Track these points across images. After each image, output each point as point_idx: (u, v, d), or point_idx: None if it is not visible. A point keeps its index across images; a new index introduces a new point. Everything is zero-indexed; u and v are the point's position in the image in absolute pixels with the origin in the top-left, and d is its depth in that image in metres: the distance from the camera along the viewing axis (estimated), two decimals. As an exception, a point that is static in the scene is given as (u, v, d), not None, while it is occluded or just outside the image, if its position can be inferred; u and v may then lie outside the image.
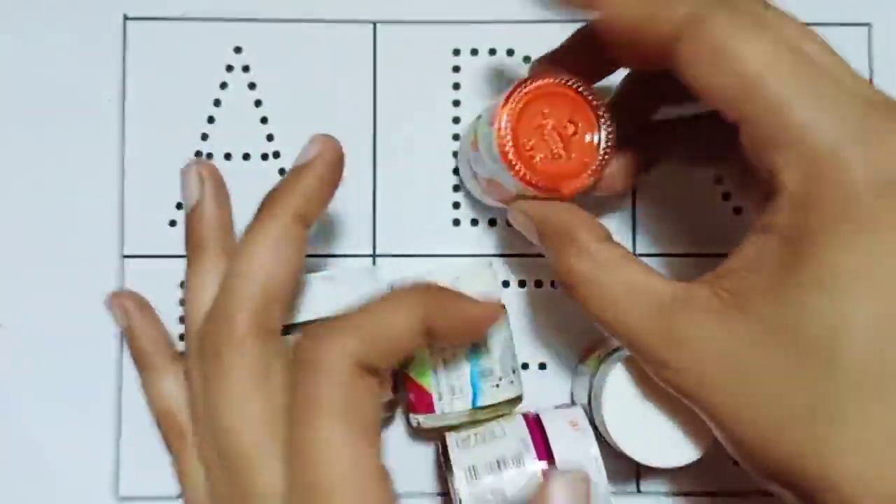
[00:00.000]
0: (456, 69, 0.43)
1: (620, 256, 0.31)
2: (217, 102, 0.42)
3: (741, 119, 0.27)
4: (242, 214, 0.42)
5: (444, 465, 0.37)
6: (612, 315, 0.30)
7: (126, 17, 0.42)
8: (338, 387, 0.28)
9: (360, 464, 0.28)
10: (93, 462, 0.41)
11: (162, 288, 0.41)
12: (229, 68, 0.42)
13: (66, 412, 0.41)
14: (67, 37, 0.42)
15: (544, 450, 0.36)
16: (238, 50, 0.42)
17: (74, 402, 0.41)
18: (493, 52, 0.43)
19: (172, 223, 0.42)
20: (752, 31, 0.27)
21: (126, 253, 0.41)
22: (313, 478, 0.27)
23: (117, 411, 0.41)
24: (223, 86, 0.42)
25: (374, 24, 0.42)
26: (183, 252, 0.41)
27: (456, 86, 0.42)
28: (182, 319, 0.41)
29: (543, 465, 0.35)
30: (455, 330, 0.31)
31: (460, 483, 0.36)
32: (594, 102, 0.33)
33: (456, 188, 0.42)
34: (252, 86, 0.42)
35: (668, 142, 0.37)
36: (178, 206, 0.42)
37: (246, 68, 0.42)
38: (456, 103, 0.42)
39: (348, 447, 0.28)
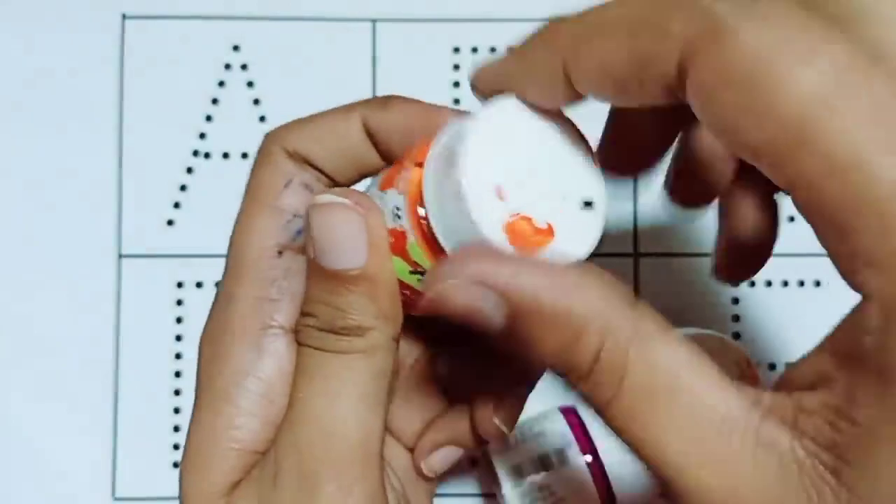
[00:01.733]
0: (456, 67, 0.42)
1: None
2: (215, 101, 0.42)
3: (792, 186, 0.17)
4: (241, 214, 0.42)
5: (487, 468, 0.37)
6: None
7: (124, 16, 0.42)
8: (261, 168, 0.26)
9: (257, 241, 0.25)
10: (90, 462, 0.41)
11: (160, 288, 0.41)
12: (227, 67, 0.42)
13: (63, 412, 0.40)
14: (65, 35, 0.42)
15: (586, 442, 0.36)
16: (236, 48, 0.42)
17: (71, 402, 0.41)
18: (493, 50, 0.42)
19: (170, 223, 0.41)
20: (805, 43, 0.17)
21: (124, 253, 0.41)
22: (230, 252, 0.26)
23: (114, 411, 0.41)
24: (221, 84, 0.42)
25: (374, 21, 0.42)
26: (181, 252, 0.41)
27: (456, 84, 0.42)
28: (180, 320, 0.41)
29: (588, 458, 0.36)
30: (397, 128, 0.25)
31: (506, 484, 0.36)
32: None
33: (455, 187, 0.42)
34: (250, 84, 0.42)
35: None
36: (176, 205, 0.41)
37: (244, 67, 0.42)
38: (456, 102, 0.42)
39: (248, 222, 0.26)
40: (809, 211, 0.17)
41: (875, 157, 0.16)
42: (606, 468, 0.35)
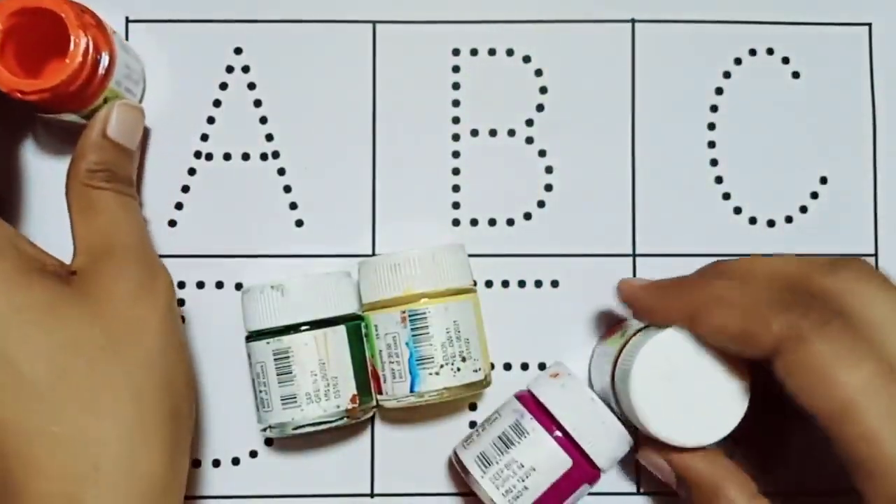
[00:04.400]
0: (455, 69, 0.43)
1: None
2: (217, 103, 0.42)
3: (834, 438, 0.29)
4: (241, 214, 0.42)
5: (462, 473, 0.38)
6: None
7: (128, 20, 0.42)
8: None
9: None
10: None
11: (162, 288, 0.41)
12: (229, 69, 0.42)
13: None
14: (68, 37, 0.42)
15: (537, 408, 0.37)
16: (238, 51, 0.42)
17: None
18: (492, 52, 0.43)
19: (172, 223, 0.42)
20: (849, 358, 0.29)
21: (126, 253, 0.41)
22: None
23: (117, 411, 0.41)
24: (223, 86, 0.42)
25: (374, 23, 0.43)
26: (182, 252, 0.41)
27: (455, 86, 0.42)
28: (182, 320, 0.41)
29: (539, 420, 0.36)
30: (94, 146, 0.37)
31: (477, 474, 0.36)
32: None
33: (456, 188, 0.42)
34: (252, 86, 0.42)
35: None
36: (178, 205, 0.42)
37: (246, 69, 0.42)
38: (455, 103, 0.42)
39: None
40: (839, 447, 0.29)
41: (886, 436, 0.28)
42: (561, 422, 0.36)
